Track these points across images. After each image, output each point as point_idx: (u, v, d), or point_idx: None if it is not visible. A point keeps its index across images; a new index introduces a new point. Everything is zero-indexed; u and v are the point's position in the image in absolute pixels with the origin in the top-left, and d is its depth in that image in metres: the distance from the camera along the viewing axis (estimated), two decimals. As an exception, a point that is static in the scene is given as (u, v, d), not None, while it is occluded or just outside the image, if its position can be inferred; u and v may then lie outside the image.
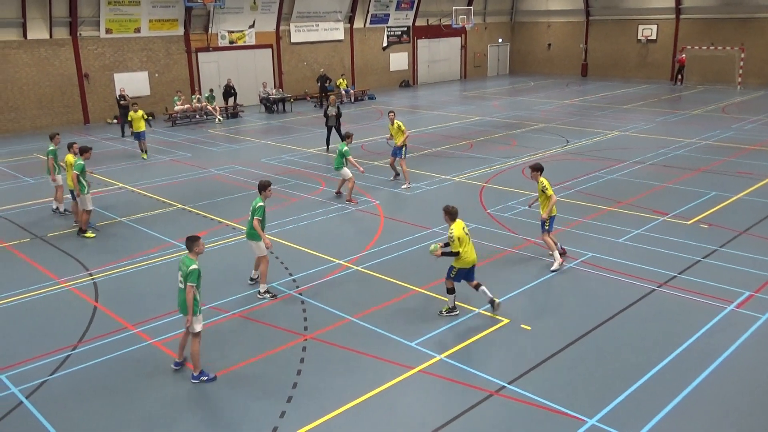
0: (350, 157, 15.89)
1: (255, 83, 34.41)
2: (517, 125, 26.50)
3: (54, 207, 15.86)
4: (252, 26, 34.53)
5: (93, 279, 11.77)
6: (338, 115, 22.32)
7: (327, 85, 34.05)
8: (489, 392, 7.95)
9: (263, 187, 10.99)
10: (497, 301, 9.91)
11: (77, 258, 12.81)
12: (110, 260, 12.62)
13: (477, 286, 9.90)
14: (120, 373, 8.64)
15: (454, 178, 18.14)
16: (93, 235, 14.15)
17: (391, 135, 17.93)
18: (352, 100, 35.54)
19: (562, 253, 11.96)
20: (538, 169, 11.94)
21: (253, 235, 10.73)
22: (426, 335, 9.35)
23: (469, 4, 44.62)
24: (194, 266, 8.21)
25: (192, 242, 8.42)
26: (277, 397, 7.98)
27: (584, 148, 21.60)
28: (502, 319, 9.78)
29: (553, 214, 11.78)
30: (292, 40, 36.57)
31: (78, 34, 28.63)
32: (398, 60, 42.59)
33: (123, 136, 26.18)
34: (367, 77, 40.42)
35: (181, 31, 31.93)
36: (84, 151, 14.22)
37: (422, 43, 43.74)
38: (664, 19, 41.14)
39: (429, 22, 43.63)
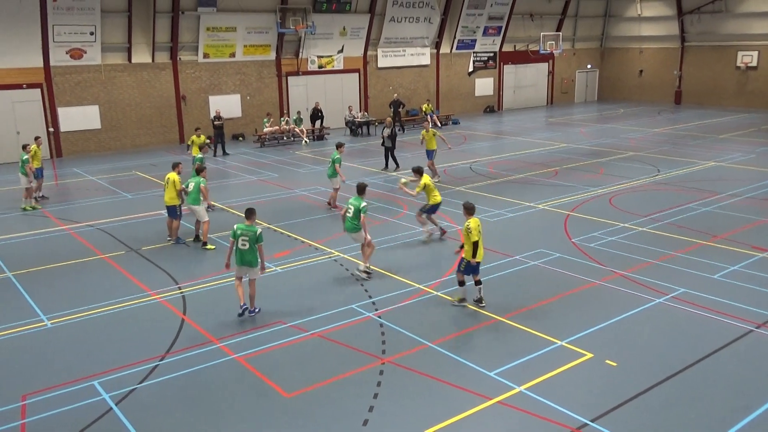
0: (338, 165, 17.58)
1: (341, 106, 35.14)
2: (604, 153, 25.81)
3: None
4: (341, 51, 35.37)
5: (182, 292, 12.22)
6: (392, 137, 22.71)
7: (400, 110, 34.22)
8: (570, 429, 7.67)
9: (362, 189, 13.11)
10: (484, 303, 11.01)
11: (168, 272, 13.35)
12: (198, 275, 13.09)
13: (478, 282, 11.01)
14: (204, 386, 8.89)
15: (537, 206, 17.81)
16: (213, 247, 14.84)
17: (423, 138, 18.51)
18: (439, 125, 35.63)
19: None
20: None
21: (355, 228, 12.71)
22: (505, 365, 9.15)
23: (558, 29, 44.08)
24: (260, 229, 10.85)
25: (253, 213, 11.07)
26: (354, 419, 7.98)
27: (676, 179, 20.76)
28: (586, 353, 9.45)
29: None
30: (379, 65, 37.17)
31: (178, 59, 30.20)
32: (483, 85, 42.48)
33: (215, 155, 27.23)
34: (451, 102, 40.50)
35: (273, 56, 33.10)
36: (201, 169, 15.37)
37: (508, 69, 43.48)
38: (767, 46, 39.23)
39: (516, 48, 43.36)
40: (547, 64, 45.28)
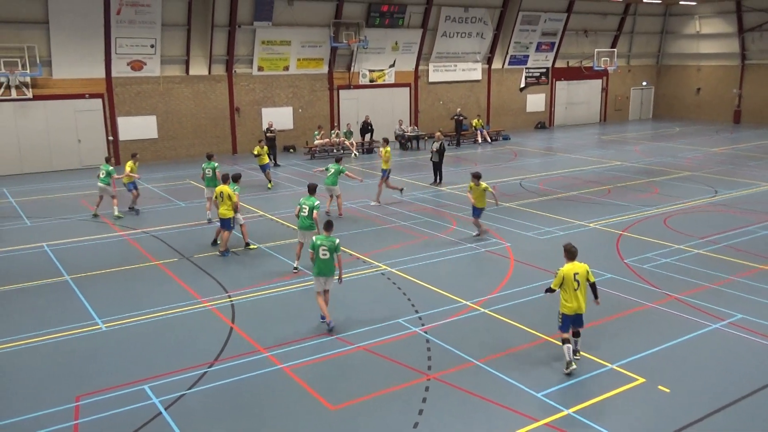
0: (348, 172, 19.12)
1: (391, 120, 35.30)
2: (659, 172, 25.21)
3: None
4: (392, 66, 35.60)
5: (231, 301, 12.41)
6: (441, 151, 22.73)
7: (463, 124, 34.30)
8: (621, 456, 7.47)
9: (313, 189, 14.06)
10: (573, 366, 9.30)
11: (218, 280, 13.59)
12: (247, 284, 13.27)
13: (575, 334, 9.67)
14: (251, 395, 8.98)
15: (589, 225, 17.49)
16: (255, 246, 15.82)
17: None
18: (489, 141, 35.44)
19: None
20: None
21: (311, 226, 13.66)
22: (554, 386, 8.97)
23: (613, 46, 43.45)
24: (338, 240, 11.01)
25: (332, 225, 11.14)
26: (398, 435, 7.94)
27: (735, 200, 20.11)
28: (638, 377, 9.20)
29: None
30: (430, 80, 37.26)
31: (233, 71, 30.88)
32: (535, 101, 42.10)
33: (266, 166, 27.65)
34: (502, 117, 40.24)
35: (325, 69, 33.54)
36: (237, 178, 15.88)
37: (561, 85, 43.01)
38: (833, 64, 37.84)
39: (569, 64, 42.89)
40: (600, 80, 44.60)
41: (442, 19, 35.90)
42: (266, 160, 23.38)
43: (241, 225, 15.81)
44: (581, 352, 9.79)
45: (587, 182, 23.37)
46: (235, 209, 15.29)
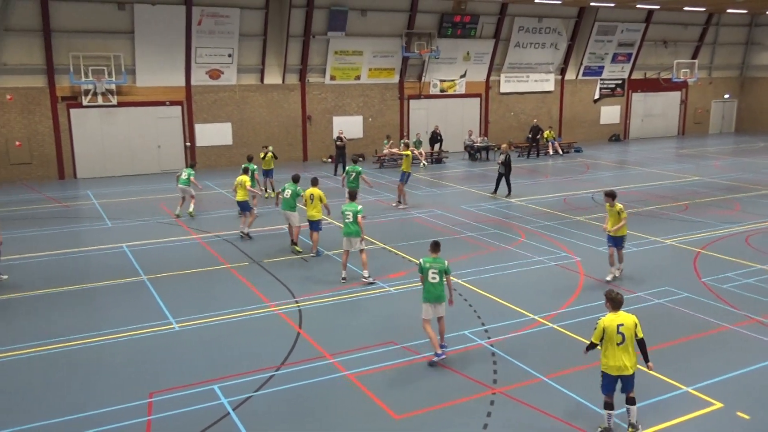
0: (364, 175, 19.22)
1: (461, 131, 35.17)
2: (741, 188, 24.12)
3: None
4: (463, 76, 35.50)
5: (298, 306, 12.59)
6: (507, 163, 22.64)
7: (539, 136, 33.86)
8: (695, 483, 7.14)
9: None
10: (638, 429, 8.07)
11: (286, 285, 13.82)
12: (315, 290, 13.44)
13: (629, 400, 8.03)
14: (316, 400, 9.07)
15: (665, 241, 16.89)
16: (301, 249, 16.31)
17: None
18: (560, 153, 34.79)
19: None
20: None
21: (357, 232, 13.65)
22: (623, 407, 8.67)
23: (694, 57, 42.00)
24: (447, 261, 10.20)
25: (439, 246, 10.35)
26: (462, 448, 7.86)
27: (825, 220, 19.03)
28: (715, 402, 8.80)
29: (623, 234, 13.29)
30: (501, 90, 36.95)
31: (306, 80, 31.50)
32: (609, 113, 41.09)
33: (335, 174, 28.01)
34: (575, 129, 39.47)
35: (396, 79, 33.77)
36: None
37: (637, 97, 41.83)
38: None
39: (646, 75, 41.69)
40: (679, 92, 43.14)
41: (515, 30, 35.58)
42: (272, 165, 23.57)
43: (296, 227, 16.33)
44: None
45: (663, 197, 22.60)
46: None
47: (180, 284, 13.98)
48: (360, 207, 13.95)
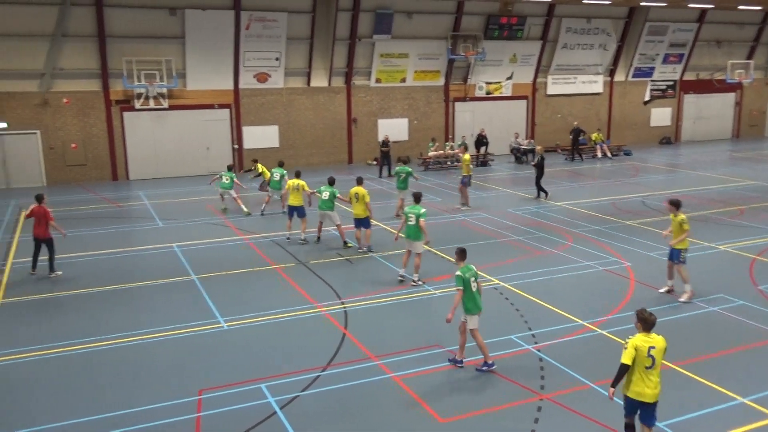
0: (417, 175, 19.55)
1: (507, 133, 34.87)
2: (800, 193, 23.28)
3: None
4: (510, 78, 35.20)
5: (344, 307, 12.66)
6: (538, 165, 22.57)
7: (580, 138, 33.35)
8: (752, 497, 6.91)
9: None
10: None
11: (332, 286, 13.90)
12: (361, 292, 13.48)
13: (631, 428, 7.53)
14: (361, 401, 9.11)
15: (719, 247, 16.42)
16: (352, 244, 16.81)
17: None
18: (609, 155, 34.16)
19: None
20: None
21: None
22: (676, 418, 8.47)
23: (749, 57, 40.73)
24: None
25: (465, 253, 10.19)
26: (509, 454, 7.77)
27: None
28: (773, 414, 8.50)
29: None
30: (548, 92, 36.51)
31: (352, 83, 31.68)
32: (660, 115, 40.17)
33: (380, 176, 28.09)
34: (624, 132, 38.71)
35: (441, 81, 33.69)
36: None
37: (689, 98, 40.79)
38: None
39: (699, 76, 40.63)
40: (734, 94, 41.91)
41: (563, 31, 35.12)
42: (268, 175, 22.55)
43: (338, 224, 16.73)
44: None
45: (716, 201, 21.97)
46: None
47: (228, 284, 14.21)
48: (423, 210, 13.85)
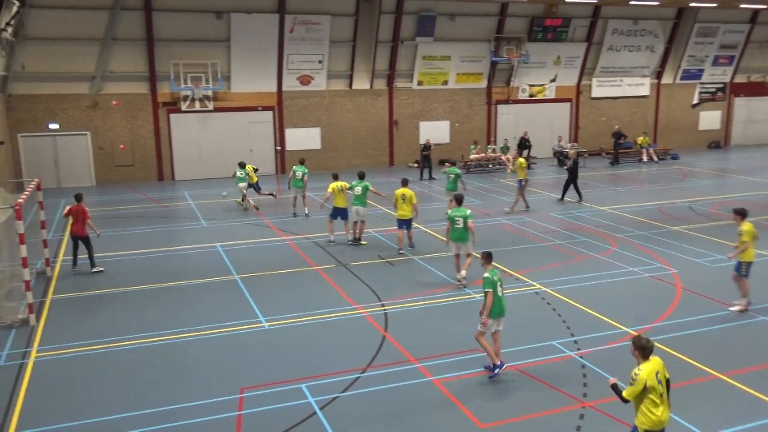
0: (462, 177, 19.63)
1: (550, 136, 34.47)
2: None
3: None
4: (553, 80, 34.79)
5: (384, 309, 12.66)
6: (571, 169, 22.47)
7: (621, 141, 32.74)
8: None
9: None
10: None
11: (372, 288, 13.93)
12: (401, 294, 13.48)
13: None
14: (401, 404, 9.08)
15: (771, 254, 15.90)
16: (365, 243, 17.34)
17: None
18: (655, 159, 33.45)
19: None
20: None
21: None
22: (725, 429, 8.22)
23: (804, 59, 39.44)
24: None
25: (491, 258, 10.15)
26: (550, 461, 7.66)
27: None
28: (828, 429, 8.19)
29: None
30: (593, 95, 35.97)
31: (394, 86, 31.74)
32: (709, 118, 39.19)
33: (421, 179, 28.05)
34: (671, 135, 37.86)
35: (484, 84, 33.49)
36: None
37: (740, 101, 39.69)
38: None
39: (750, 79, 39.48)
40: (787, 96, 40.62)
41: (609, 32, 34.57)
42: (255, 179, 23.02)
43: (363, 221, 17.16)
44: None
45: (768, 208, 21.31)
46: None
47: (270, 284, 14.36)
48: (469, 212, 13.88)
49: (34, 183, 15.11)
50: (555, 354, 10.53)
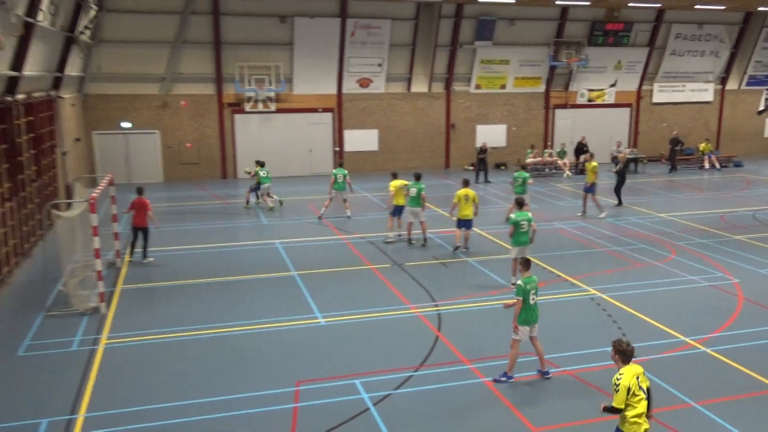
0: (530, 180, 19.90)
1: (608, 141, 33.86)
2: None
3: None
4: (613, 85, 34.24)
5: (438, 310, 12.83)
6: (618, 172, 22.48)
7: (678, 148, 31.95)
8: None
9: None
10: None
11: (426, 288, 14.12)
12: (455, 295, 13.62)
13: None
14: (453, 404, 9.22)
15: (839, 268, 15.38)
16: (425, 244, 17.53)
17: None
18: (717, 167, 32.53)
19: None
20: None
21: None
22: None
23: None
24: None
25: (530, 263, 10.09)
26: (602, 466, 7.70)
27: None
28: None
29: None
30: (654, 100, 35.23)
31: (451, 89, 31.84)
32: (777, 126, 37.82)
33: (476, 182, 28.03)
34: (734, 142, 36.71)
35: (542, 88, 33.23)
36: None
37: (811, 109, 38.13)
38: None
39: (823, 85, 37.91)
40: None
41: (672, 37, 33.82)
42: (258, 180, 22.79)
43: (422, 222, 17.45)
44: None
45: (839, 219, 20.52)
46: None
47: (326, 281, 14.71)
48: (531, 215, 14.03)
49: (107, 178, 15.86)
50: (609, 361, 10.42)
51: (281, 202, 23.10)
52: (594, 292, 13.75)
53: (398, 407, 9.11)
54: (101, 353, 10.94)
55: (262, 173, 22.51)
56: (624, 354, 6.93)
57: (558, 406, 9.12)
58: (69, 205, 15.85)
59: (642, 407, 6.70)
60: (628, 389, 6.68)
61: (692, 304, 13.16)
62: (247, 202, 23.10)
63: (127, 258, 16.29)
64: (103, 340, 11.47)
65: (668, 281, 14.48)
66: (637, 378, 6.77)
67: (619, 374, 6.81)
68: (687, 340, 11.24)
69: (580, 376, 9.96)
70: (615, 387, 6.76)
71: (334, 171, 21.13)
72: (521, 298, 9.68)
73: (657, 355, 10.65)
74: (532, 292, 9.73)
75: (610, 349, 7.15)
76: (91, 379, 10.00)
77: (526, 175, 20.24)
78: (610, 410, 6.81)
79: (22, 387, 9.82)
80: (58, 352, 11.03)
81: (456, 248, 16.80)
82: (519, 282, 9.83)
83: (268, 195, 22.76)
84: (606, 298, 13.38)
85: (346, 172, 21.01)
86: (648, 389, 6.85)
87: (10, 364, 10.61)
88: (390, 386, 9.68)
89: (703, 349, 10.89)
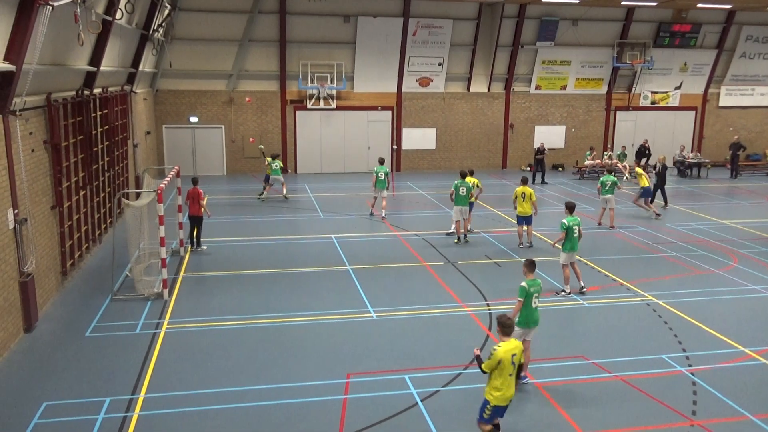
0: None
1: (671, 145, 33.09)
2: None
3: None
4: (678, 88, 33.36)
5: (489, 309, 12.88)
6: (658, 174, 22.36)
7: (740, 153, 30.84)
8: None
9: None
10: None
11: (479, 287, 14.17)
12: (507, 295, 13.58)
13: (496, 426, 8.02)
14: (501, 403, 9.29)
15: None
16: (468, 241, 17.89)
17: None
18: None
19: None
20: None
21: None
22: None
23: None
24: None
25: (535, 265, 10.00)
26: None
27: None
28: None
29: None
30: (720, 104, 34.15)
31: (511, 89, 31.63)
32: None
33: (533, 183, 27.77)
34: (808, 149, 35.23)
35: (604, 89, 32.66)
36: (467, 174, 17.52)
37: None
38: None
39: None
40: None
41: (742, 39, 32.72)
42: (270, 171, 23.75)
43: (465, 219, 17.93)
44: None
45: None
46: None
47: (380, 276, 14.93)
48: (579, 219, 13.99)
49: (174, 170, 16.49)
50: (664, 368, 10.34)
51: (286, 198, 23.79)
52: (650, 297, 13.54)
53: (446, 404, 9.20)
54: (162, 337, 11.43)
55: (274, 165, 23.19)
56: (504, 327, 7.74)
57: (607, 411, 9.06)
58: (138, 195, 16.53)
59: (508, 381, 7.60)
60: (500, 361, 7.50)
61: (753, 314, 12.81)
62: (261, 193, 24.09)
63: (189, 247, 16.92)
64: (165, 325, 11.97)
65: (728, 290, 14.12)
66: (513, 355, 7.58)
67: (498, 345, 7.64)
68: (746, 350, 10.97)
69: (633, 382, 9.86)
70: (490, 354, 7.58)
71: (375, 169, 21.00)
72: (522, 300, 9.62)
73: (714, 365, 10.44)
74: (535, 295, 9.68)
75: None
76: (152, 361, 10.46)
77: (614, 178, 19.97)
78: (479, 365, 7.70)
79: (88, 366, 10.37)
80: (122, 334, 11.58)
81: (520, 244, 17.33)
82: (523, 284, 9.69)
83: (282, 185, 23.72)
84: (662, 304, 13.16)
85: (388, 170, 20.94)
86: (520, 367, 7.88)
87: (78, 343, 11.20)
88: (439, 383, 9.78)
89: (764, 361, 10.61)
